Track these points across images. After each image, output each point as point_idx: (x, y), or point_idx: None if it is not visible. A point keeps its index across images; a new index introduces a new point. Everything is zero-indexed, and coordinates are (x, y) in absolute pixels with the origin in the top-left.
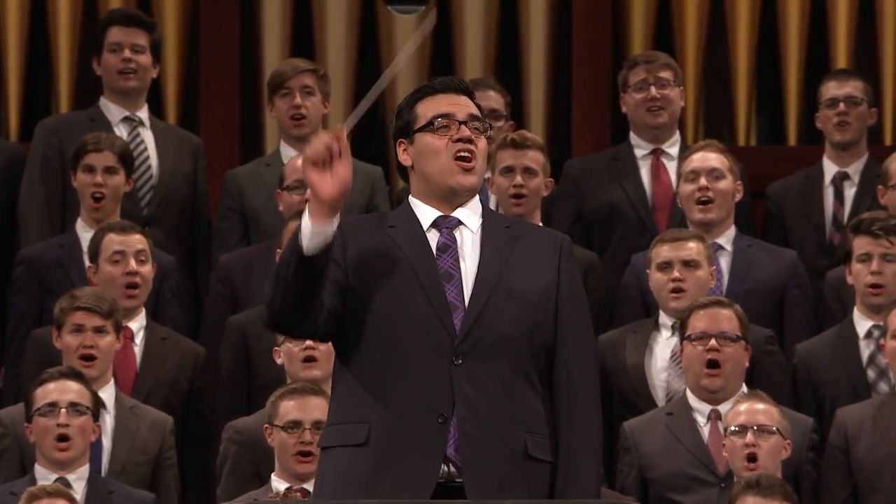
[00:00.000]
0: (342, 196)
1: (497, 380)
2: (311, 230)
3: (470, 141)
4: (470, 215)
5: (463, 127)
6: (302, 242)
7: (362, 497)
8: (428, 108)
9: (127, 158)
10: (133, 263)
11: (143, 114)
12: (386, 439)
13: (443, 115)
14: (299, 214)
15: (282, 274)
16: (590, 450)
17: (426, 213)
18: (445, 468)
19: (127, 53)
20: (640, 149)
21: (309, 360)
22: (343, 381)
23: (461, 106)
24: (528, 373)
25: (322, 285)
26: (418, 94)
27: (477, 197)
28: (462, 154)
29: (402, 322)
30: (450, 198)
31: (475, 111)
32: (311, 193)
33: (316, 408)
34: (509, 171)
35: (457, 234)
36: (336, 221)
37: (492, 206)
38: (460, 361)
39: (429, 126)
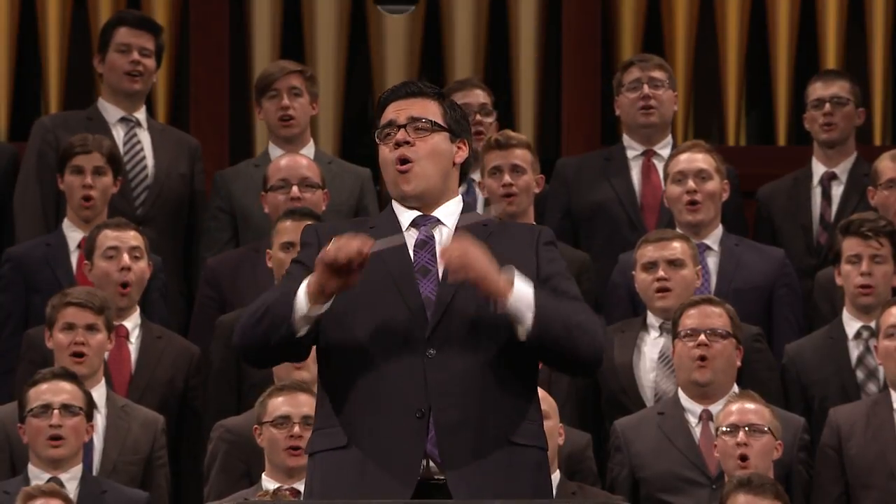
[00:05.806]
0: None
1: (473, 369)
2: (305, 315)
3: (406, 143)
4: (449, 214)
5: (401, 131)
6: (295, 323)
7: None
8: (382, 118)
9: (114, 159)
10: (126, 259)
11: (141, 115)
12: (367, 440)
13: (385, 125)
14: (291, 215)
15: (265, 329)
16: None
17: (406, 214)
18: (425, 463)
19: (135, 56)
20: (633, 150)
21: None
22: (324, 385)
23: (404, 110)
24: (510, 359)
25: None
26: (379, 104)
27: (459, 196)
28: (400, 158)
29: (375, 320)
30: (412, 203)
31: (419, 112)
32: (317, 282)
33: (304, 403)
34: (497, 171)
35: (436, 231)
36: (328, 305)
37: (479, 207)
38: (433, 353)
39: (378, 136)
